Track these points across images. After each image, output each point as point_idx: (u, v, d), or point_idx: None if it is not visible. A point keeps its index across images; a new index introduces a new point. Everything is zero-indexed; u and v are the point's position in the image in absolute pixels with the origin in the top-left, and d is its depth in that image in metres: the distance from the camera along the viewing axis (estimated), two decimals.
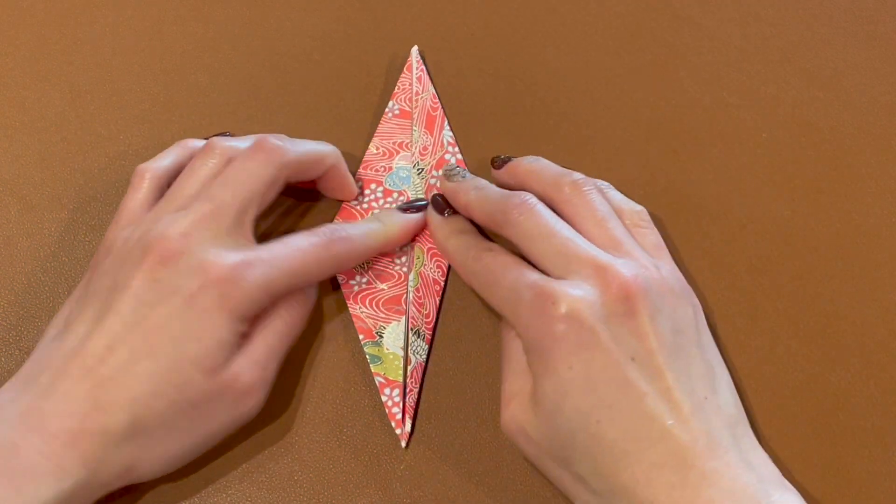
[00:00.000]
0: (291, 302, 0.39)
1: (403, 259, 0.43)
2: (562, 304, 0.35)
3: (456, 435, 0.40)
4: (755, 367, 0.42)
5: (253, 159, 0.39)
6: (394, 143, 0.46)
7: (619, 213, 0.40)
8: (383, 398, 0.40)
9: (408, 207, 0.43)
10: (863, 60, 0.50)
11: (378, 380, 0.41)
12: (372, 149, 0.46)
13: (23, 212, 0.45)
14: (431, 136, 0.46)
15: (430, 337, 0.42)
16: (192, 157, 0.41)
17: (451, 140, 0.46)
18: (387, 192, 0.45)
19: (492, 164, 0.44)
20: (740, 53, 0.50)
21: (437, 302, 0.43)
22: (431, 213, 0.43)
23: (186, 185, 0.39)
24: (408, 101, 0.47)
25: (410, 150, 0.46)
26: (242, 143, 0.41)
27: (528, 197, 0.39)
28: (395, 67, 0.48)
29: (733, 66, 0.49)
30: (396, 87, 0.47)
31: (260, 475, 0.39)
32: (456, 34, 0.50)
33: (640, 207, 0.41)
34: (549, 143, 0.47)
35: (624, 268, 0.36)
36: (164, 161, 0.41)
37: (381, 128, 0.46)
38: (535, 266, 0.38)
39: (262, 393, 0.37)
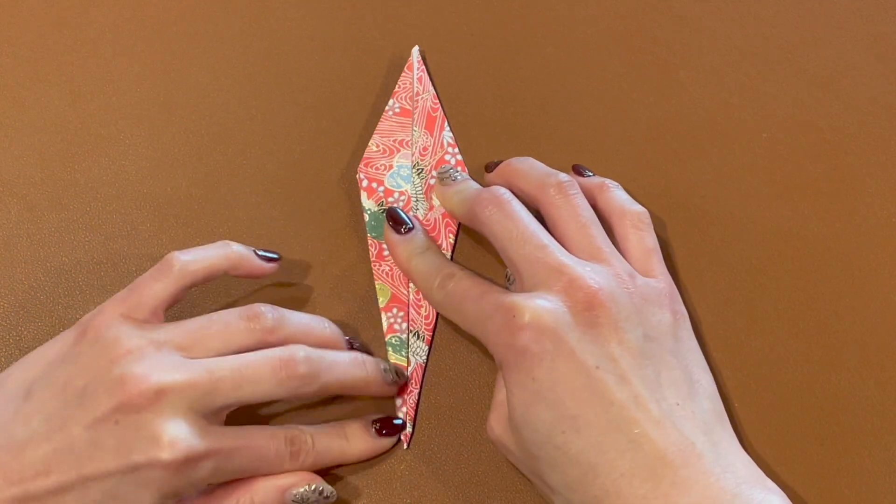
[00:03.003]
0: (251, 500, 0.36)
1: None
2: (525, 314, 0.34)
3: (456, 435, 0.40)
4: (754, 368, 0.42)
5: (273, 372, 0.36)
6: (394, 141, 0.46)
7: (619, 213, 0.40)
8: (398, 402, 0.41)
9: (383, 428, 0.39)
10: (863, 60, 0.50)
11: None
12: (372, 146, 0.46)
13: (23, 212, 0.45)
14: (431, 136, 0.46)
15: (429, 338, 0.42)
16: (229, 266, 0.39)
17: (450, 141, 0.46)
18: (388, 192, 0.45)
19: (485, 169, 0.44)
20: (740, 53, 0.50)
21: None
22: (388, 231, 0.42)
23: (211, 334, 0.37)
24: (408, 100, 0.47)
25: (411, 148, 0.46)
26: (289, 318, 0.38)
27: (500, 192, 0.39)
28: (396, 67, 0.48)
29: (733, 66, 0.49)
30: (397, 86, 0.47)
31: None
32: (456, 34, 0.50)
33: (641, 209, 0.40)
34: (549, 143, 0.47)
35: (593, 277, 0.35)
36: (199, 262, 0.38)
37: (381, 125, 0.46)
38: (508, 266, 0.38)
39: None
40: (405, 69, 0.48)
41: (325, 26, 0.50)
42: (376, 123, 0.47)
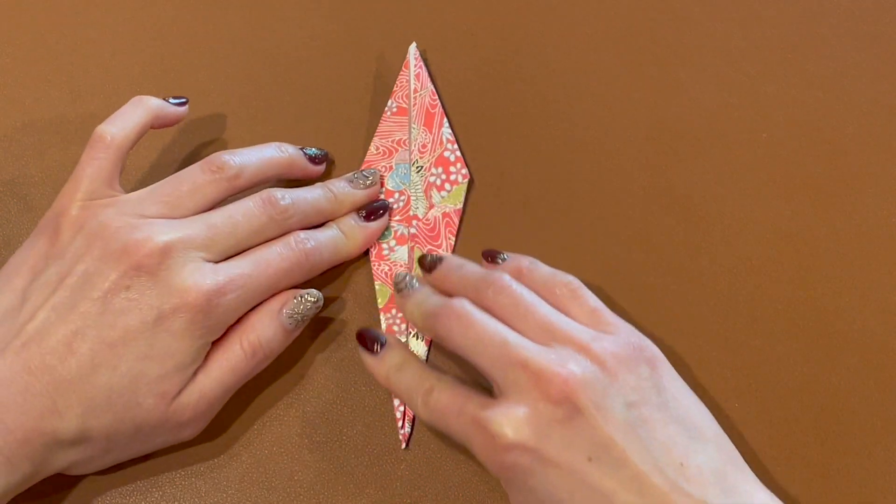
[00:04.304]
0: (256, 334, 0.38)
1: (405, 262, 0.43)
2: (505, 431, 0.33)
3: None
4: (754, 368, 0.42)
5: (261, 210, 0.39)
6: (392, 142, 0.46)
7: (549, 288, 0.39)
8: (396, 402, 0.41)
9: (368, 214, 0.43)
10: (863, 60, 0.50)
11: None
12: (372, 149, 0.46)
13: (23, 212, 0.45)
14: (430, 133, 0.46)
15: (429, 339, 0.42)
16: (153, 118, 0.41)
17: (450, 137, 0.46)
18: (388, 193, 0.45)
19: (420, 265, 0.42)
20: (740, 53, 0.50)
21: None
22: (363, 354, 0.40)
23: (184, 195, 0.39)
24: (405, 99, 0.47)
25: (408, 146, 0.46)
26: (248, 157, 0.41)
27: (457, 305, 0.37)
28: (395, 68, 0.48)
29: (733, 66, 0.49)
30: (395, 86, 0.47)
31: (260, 475, 0.39)
32: (456, 34, 0.50)
33: (570, 278, 0.39)
34: (548, 143, 0.47)
35: (560, 364, 0.34)
36: (127, 129, 0.40)
37: (381, 127, 0.46)
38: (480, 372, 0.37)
39: (202, 425, 0.38)
40: (402, 67, 0.48)
41: (325, 27, 0.50)
42: (375, 123, 0.47)
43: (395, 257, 0.43)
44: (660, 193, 0.45)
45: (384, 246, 0.44)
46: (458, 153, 0.46)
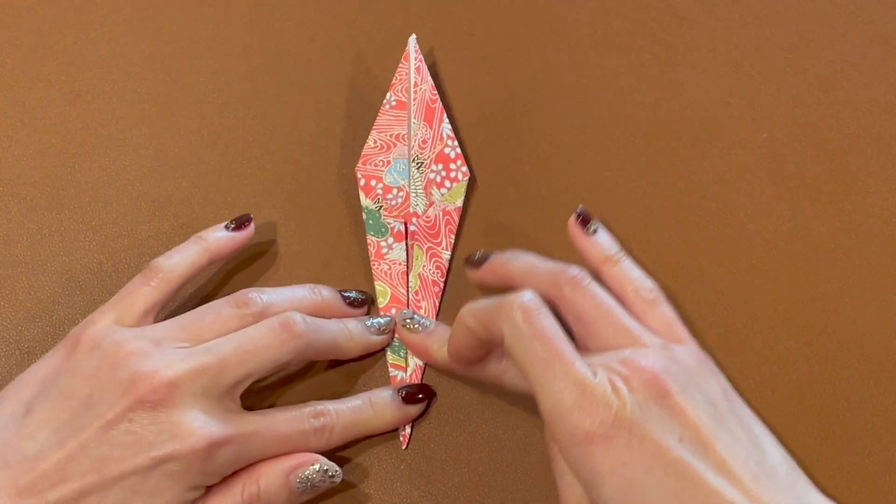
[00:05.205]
0: (259, 486, 0.37)
1: (403, 261, 0.43)
2: (610, 399, 0.33)
3: (456, 435, 0.40)
4: (755, 367, 0.42)
5: (274, 336, 0.37)
6: (391, 136, 0.46)
7: (632, 290, 0.39)
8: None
9: (409, 395, 0.40)
10: (863, 60, 0.50)
11: (391, 371, 0.42)
12: (370, 142, 0.46)
13: (23, 212, 0.45)
14: (431, 128, 0.46)
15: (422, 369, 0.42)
16: (209, 258, 0.41)
17: (450, 133, 0.46)
18: (387, 189, 0.45)
19: (467, 263, 0.42)
20: (740, 53, 0.50)
21: (437, 303, 0.43)
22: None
23: (206, 326, 0.38)
24: (404, 92, 0.47)
25: (408, 141, 0.46)
26: (276, 296, 0.40)
27: (525, 297, 0.35)
28: (394, 67, 0.48)
29: (733, 66, 0.49)
30: (394, 78, 0.47)
31: None
32: (456, 34, 0.50)
33: (652, 283, 0.39)
34: (548, 143, 0.47)
35: (641, 356, 0.34)
36: (181, 264, 0.40)
37: (379, 120, 0.46)
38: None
39: None
40: (402, 59, 0.47)
41: (325, 27, 0.50)
42: (374, 120, 0.46)
43: (393, 255, 0.43)
44: (660, 193, 0.45)
45: (382, 244, 0.44)
46: (458, 150, 0.46)
